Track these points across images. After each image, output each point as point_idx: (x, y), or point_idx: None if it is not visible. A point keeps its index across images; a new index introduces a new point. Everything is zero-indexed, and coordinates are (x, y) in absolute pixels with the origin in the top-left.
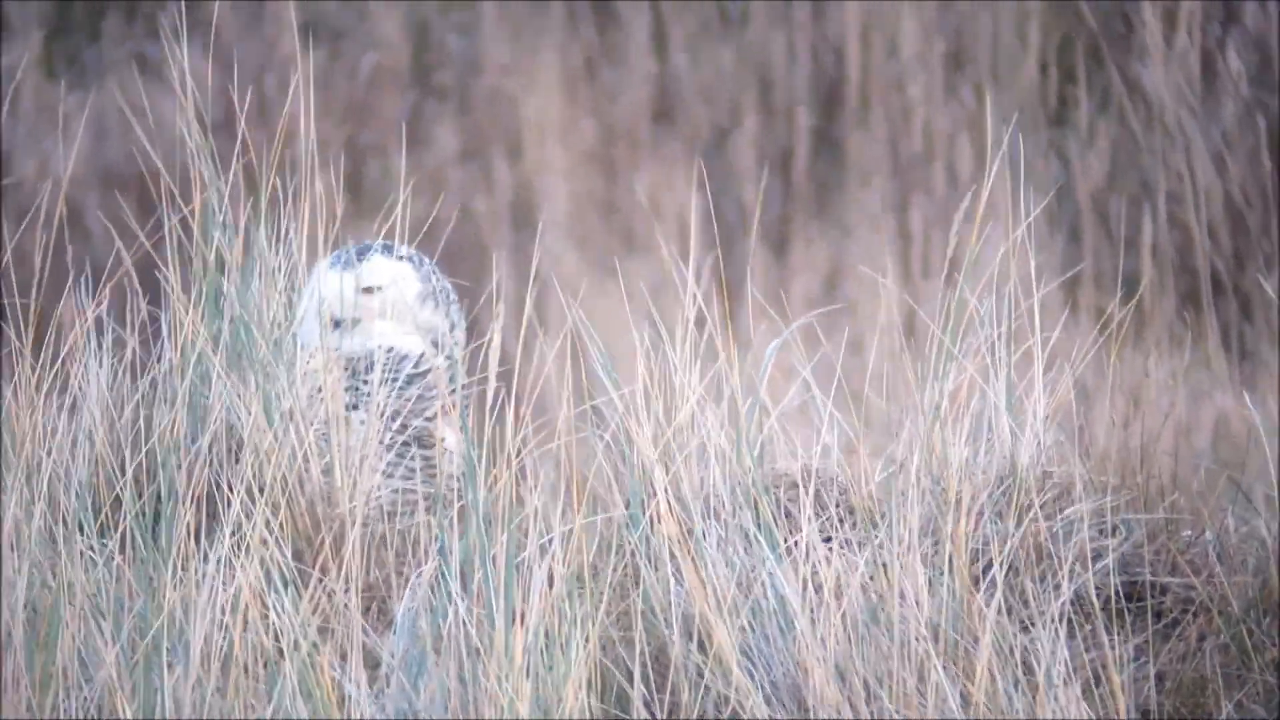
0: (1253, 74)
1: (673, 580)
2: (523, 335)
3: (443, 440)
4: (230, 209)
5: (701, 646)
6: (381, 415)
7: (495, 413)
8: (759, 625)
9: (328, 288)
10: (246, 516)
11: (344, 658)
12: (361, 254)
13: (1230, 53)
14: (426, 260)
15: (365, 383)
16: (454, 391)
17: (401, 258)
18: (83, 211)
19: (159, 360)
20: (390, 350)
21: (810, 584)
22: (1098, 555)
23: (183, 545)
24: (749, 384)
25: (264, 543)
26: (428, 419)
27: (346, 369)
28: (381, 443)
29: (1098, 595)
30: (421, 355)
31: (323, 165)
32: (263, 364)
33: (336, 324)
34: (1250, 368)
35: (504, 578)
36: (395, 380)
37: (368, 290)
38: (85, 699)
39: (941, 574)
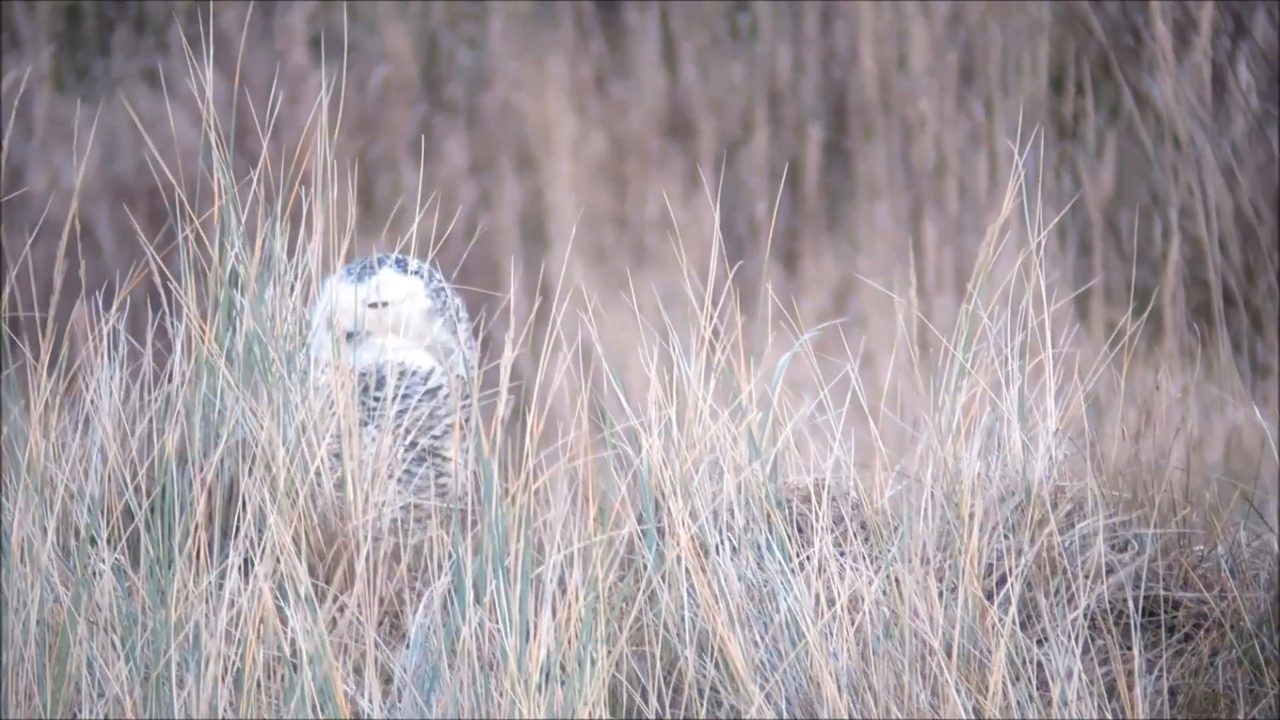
0: (1262, 87)
1: (686, 595)
2: (538, 349)
3: (451, 459)
4: (246, 222)
5: (715, 661)
6: (394, 430)
7: (507, 427)
8: (771, 640)
9: (339, 301)
10: (259, 530)
11: (357, 672)
12: (373, 268)
13: (1240, 66)
14: (437, 276)
15: (376, 398)
16: (464, 408)
17: (412, 273)
18: (93, 225)
19: (171, 374)
20: (401, 365)
21: (823, 598)
22: (1110, 570)
23: (195, 560)
24: (761, 397)
25: (277, 557)
26: (435, 436)
27: (358, 384)
28: (394, 453)
29: (1110, 610)
30: (431, 371)
31: (335, 178)
32: (276, 377)
33: (348, 337)
34: (1262, 381)
35: (518, 592)
36: (407, 396)
37: (378, 305)
38: (97, 714)
39: (954, 588)
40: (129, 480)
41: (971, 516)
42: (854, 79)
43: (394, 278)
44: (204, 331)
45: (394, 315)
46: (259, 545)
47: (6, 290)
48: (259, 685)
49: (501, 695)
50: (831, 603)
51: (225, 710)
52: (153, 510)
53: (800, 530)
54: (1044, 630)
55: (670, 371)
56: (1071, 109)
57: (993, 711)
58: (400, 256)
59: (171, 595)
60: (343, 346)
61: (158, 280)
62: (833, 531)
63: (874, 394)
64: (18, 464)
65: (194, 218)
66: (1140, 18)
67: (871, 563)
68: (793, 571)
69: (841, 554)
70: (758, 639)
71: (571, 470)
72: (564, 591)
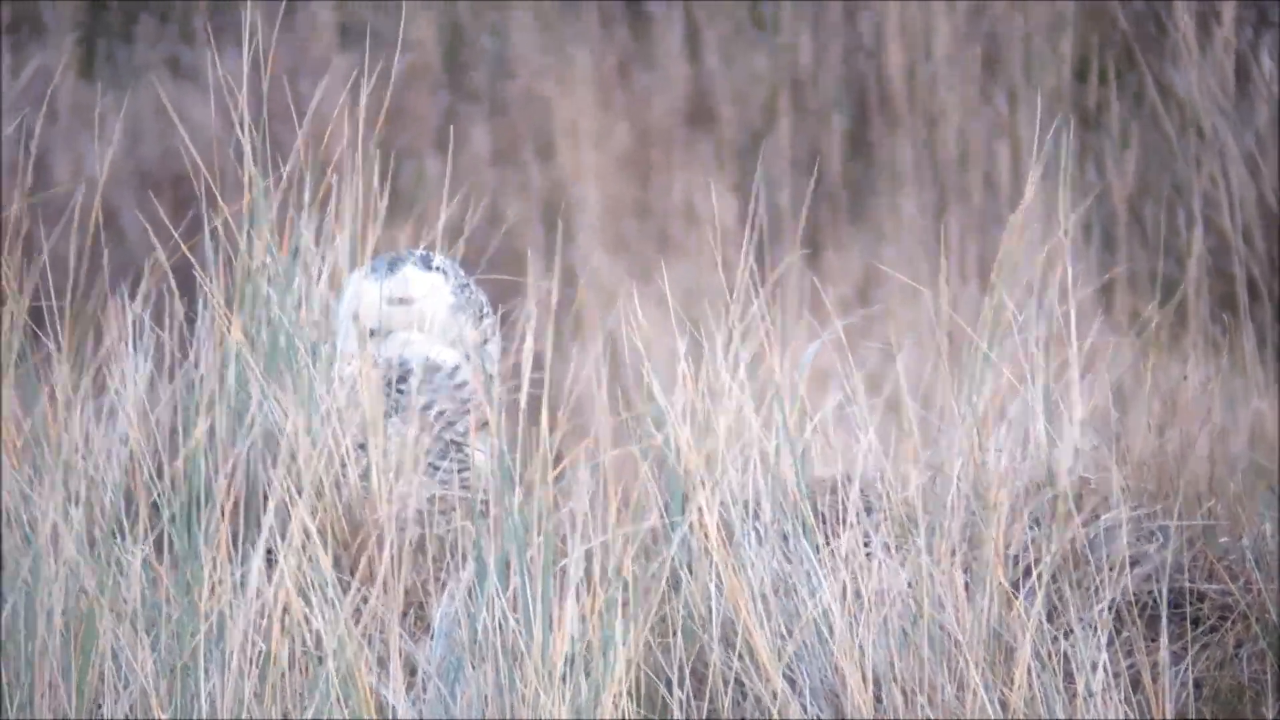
0: None
1: (712, 586)
2: (562, 339)
3: (476, 452)
4: (274, 211)
5: (740, 653)
6: (419, 423)
7: (532, 418)
8: (797, 631)
9: (363, 298)
10: (285, 521)
11: (382, 663)
12: (396, 264)
13: (1263, 56)
14: (461, 272)
15: (400, 391)
16: (489, 404)
17: (436, 268)
18: (117, 214)
19: (196, 363)
20: (426, 360)
21: (849, 589)
22: (1135, 561)
23: (221, 550)
24: (789, 388)
25: (302, 547)
26: (459, 432)
27: (382, 377)
28: (419, 445)
29: (1135, 602)
30: (456, 367)
31: (364, 168)
32: (301, 368)
33: (372, 333)
34: None
35: (541, 583)
36: (432, 389)
37: (402, 301)
38: (122, 704)
39: (981, 580)
40: (154, 471)
41: (998, 508)
42: (877, 69)
43: (417, 274)
44: (230, 321)
45: (418, 312)
46: (284, 536)
47: (31, 279)
48: (284, 677)
49: (526, 686)
50: (858, 594)
51: (250, 702)
52: (177, 499)
53: (826, 521)
54: (1069, 622)
55: (698, 360)
56: (1095, 99)
57: (1018, 703)
58: (424, 253)
59: (197, 586)
60: (367, 341)
61: (172, 271)
62: (860, 523)
63: (899, 385)
64: (43, 454)
65: (223, 206)
66: (1163, 8)
67: (898, 554)
68: (819, 562)
69: (868, 545)
70: (784, 630)
71: (596, 459)
72: (588, 582)
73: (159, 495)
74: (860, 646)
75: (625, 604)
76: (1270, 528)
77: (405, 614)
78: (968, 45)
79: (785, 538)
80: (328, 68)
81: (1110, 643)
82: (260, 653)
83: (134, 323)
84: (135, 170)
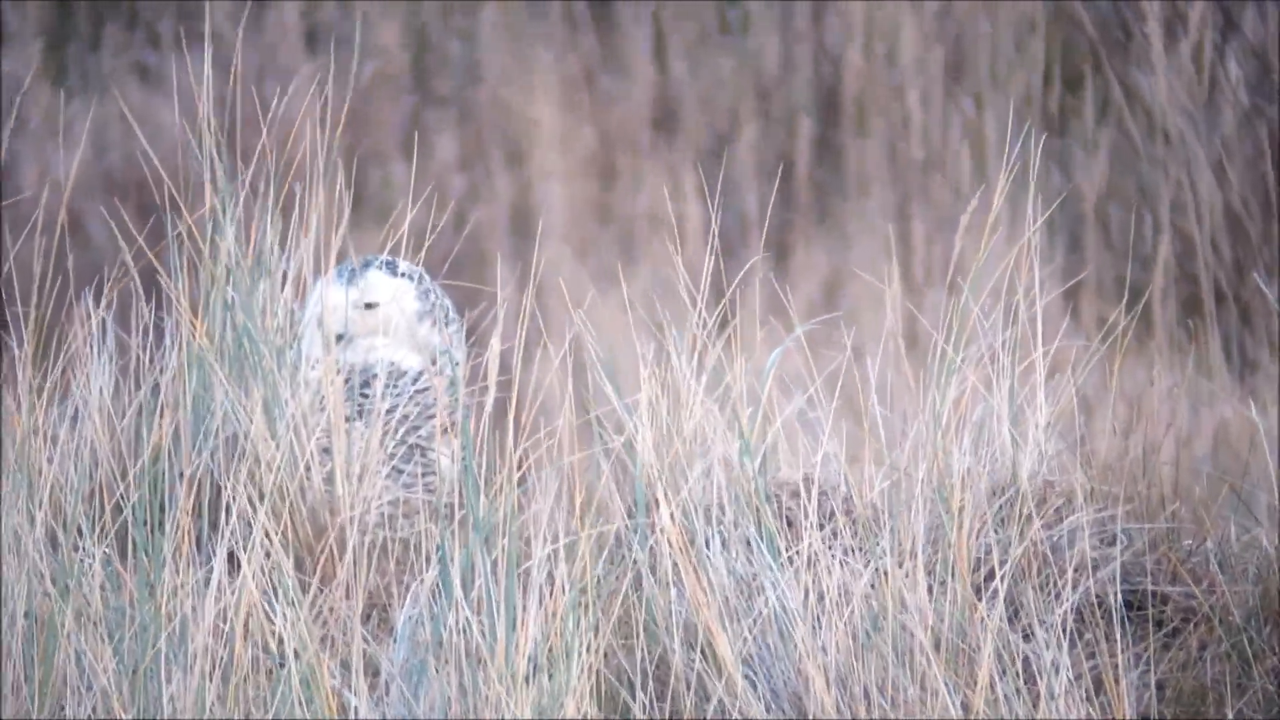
0: (1252, 82)
1: (674, 589)
2: (521, 343)
3: (441, 456)
4: (238, 216)
5: (702, 655)
6: (382, 427)
7: (496, 423)
8: (760, 633)
9: (328, 303)
10: (248, 524)
11: (345, 666)
12: (362, 269)
13: (1229, 61)
14: (426, 277)
15: (364, 396)
16: (452, 411)
17: (401, 274)
18: (83, 219)
19: (161, 368)
20: (391, 365)
21: (812, 592)
22: (1099, 564)
23: (183, 553)
24: (751, 392)
25: (265, 550)
26: (422, 437)
27: (346, 381)
28: (383, 449)
29: (1099, 604)
30: (420, 372)
31: (327, 173)
32: (265, 372)
33: (337, 338)
34: (1250, 375)
35: (505, 586)
36: (396, 394)
37: (367, 306)
38: (84, 706)
39: (944, 582)
40: (118, 473)
41: (961, 511)
42: (844, 73)
43: (383, 280)
44: (194, 326)
45: (383, 317)
46: (248, 539)
47: None
48: (246, 679)
49: (489, 688)
50: (821, 597)
51: (212, 704)
52: (141, 503)
53: (790, 524)
54: (1030, 625)
55: (661, 365)
56: (1061, 104)
57: (980, 705)
58: (389, 259)
59: (159, 589)
60: (332, 346)
61: (137, 275)
62: (823, 526)
63: (865, 388)
64: (6, 456)
65: (185, 212)
66: (1130, 13)
67: (861, 557)
68: (782, 566)
69: (831, 548)
70: (746, 633)
71: (559, 464)
72: (551, 584)
73: (122, 497)
74: (823, 648)
75: (587, 606)
76: (1234, 530)
77: (368, 617)
78: (934, 49)
79: (748, 541)
80: (294, 73)
81: (1073, 645)
82: (223, 656)
83: (99, 326)
84: (102, 176)
